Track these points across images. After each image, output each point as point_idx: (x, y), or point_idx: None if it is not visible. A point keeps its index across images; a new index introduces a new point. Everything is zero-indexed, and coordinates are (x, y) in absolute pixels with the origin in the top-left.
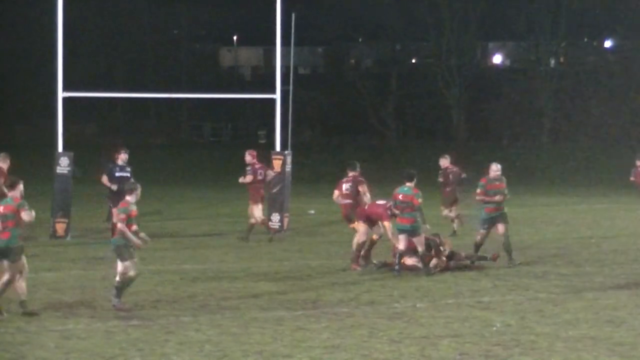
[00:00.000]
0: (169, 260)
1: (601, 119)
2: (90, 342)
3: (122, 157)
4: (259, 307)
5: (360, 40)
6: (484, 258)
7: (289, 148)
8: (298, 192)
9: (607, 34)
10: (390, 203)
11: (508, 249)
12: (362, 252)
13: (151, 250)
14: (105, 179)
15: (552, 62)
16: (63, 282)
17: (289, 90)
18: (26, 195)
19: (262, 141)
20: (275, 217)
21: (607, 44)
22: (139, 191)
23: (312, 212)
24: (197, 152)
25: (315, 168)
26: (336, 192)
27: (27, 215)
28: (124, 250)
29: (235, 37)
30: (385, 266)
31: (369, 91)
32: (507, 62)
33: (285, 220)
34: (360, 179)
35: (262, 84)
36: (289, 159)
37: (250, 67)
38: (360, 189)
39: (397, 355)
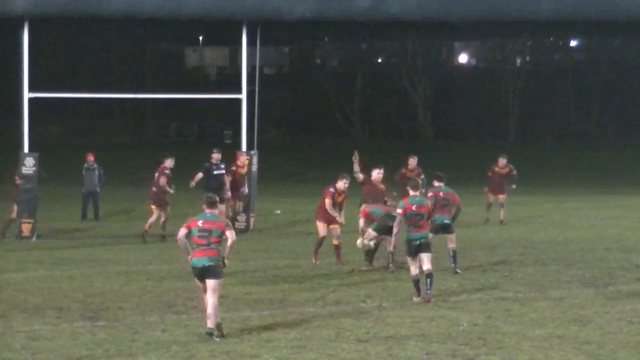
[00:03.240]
0: (135, 260)
1: (568, 118)
2: (57, 343)
3: (215, 157)
4: (226, 307)
5: (325, 39)
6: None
7: (255, 148)
8: (264, 191)
9: (573, 33)
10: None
11: None
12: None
13: (117, 250)
14: (198, 176)
15: (518, 61)
16: (29, 283)
17: (254, 90)
18: None
19: (228, 141)
20: (242, 217)
21: (573, 42)
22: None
23: (279, 211)
24: (162, 152)
25: (282, 168)
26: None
27: (232, 235)
28: None
29: (200, 37)
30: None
31: (335, 91)
32: (473, 62)
33: (252, 220)
34: (167, 172)
35: (228, 84)
36: (255, 159)
37: (215, 67)
38: (161, 179)
39: (364, 355)
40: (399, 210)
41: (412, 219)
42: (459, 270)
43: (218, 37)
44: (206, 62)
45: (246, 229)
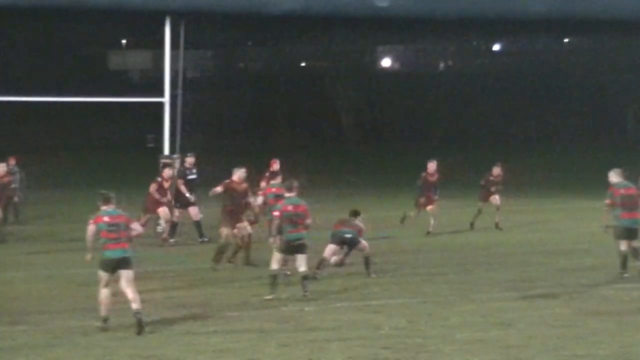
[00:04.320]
0: (58, 264)
1: (493, 122)
2: None
3: (190, 161)
4: (148, 311)
5: (249, 44)
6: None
7: (178, 152)
8: None
9: (496, 37)
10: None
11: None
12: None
13: (40, 254)
14: (180, 183)
15: (442, 65)
16: None
17: (179, 94)
18: None
19: (150, 145)
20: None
21: (496, 47)
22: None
23: (201, 216)
24: (85, 155)
25: (205, 172)
26: None
27: (137, 227)
28: None
29: (123, 41)
30: None
31: (260, 95)
32: (397, 66)
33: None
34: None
35: (151, 87)
36: (177, 163)
37: (139, 70)
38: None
39: (287, 358)
40: (276, 213)
41: (290, 219)
42: (373, 275)
43: (141, 39)
44: (129, 66)
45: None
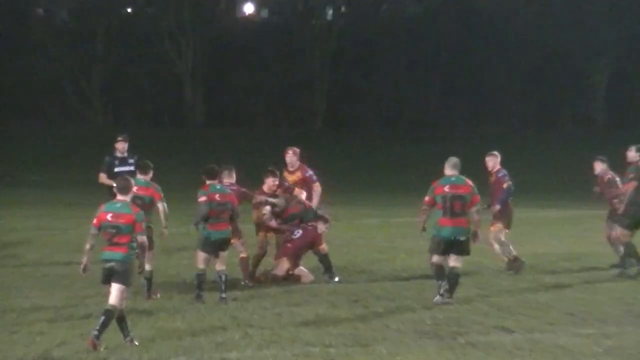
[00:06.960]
0: None
1: (392, 97)
2: None
3: (121, 147)
4: None
5: None
6: None
7: None
8: None
9: None
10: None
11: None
12: None
13: None
14: (103, 177)
15: (330, 13)
16: None
17: None
18: None
19: None
20: None
21: None
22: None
23: None
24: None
25: None
26: None
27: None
28: None
29: None
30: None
31: (66, 56)
32: (264, 15)
33: None
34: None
35: None
36: None
37: None
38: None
39: None
40: None
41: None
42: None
43: None
44: None
45: None
